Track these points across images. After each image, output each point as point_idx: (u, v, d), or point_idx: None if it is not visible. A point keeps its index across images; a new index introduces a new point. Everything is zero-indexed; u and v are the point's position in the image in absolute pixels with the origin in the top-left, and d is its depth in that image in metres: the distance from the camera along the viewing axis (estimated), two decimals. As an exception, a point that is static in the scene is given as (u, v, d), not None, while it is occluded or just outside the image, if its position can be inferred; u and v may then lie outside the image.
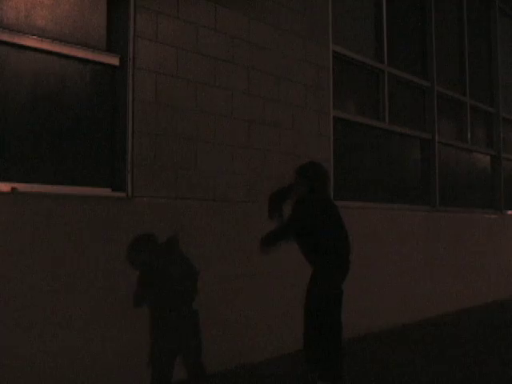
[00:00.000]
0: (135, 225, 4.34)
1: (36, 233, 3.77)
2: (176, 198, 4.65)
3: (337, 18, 6.67)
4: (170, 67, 4.68)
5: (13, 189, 3.74)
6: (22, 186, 3.81)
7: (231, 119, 5.16)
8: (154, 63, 4.56)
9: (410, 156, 8.12)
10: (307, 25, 6.04)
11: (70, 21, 4.25)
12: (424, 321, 7.31)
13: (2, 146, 3.83)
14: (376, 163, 7.37)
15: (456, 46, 9.42)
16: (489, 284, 9.12)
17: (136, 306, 4.29)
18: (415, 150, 8.21)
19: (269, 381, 4.69)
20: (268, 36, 5.58)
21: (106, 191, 4.35)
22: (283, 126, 5.68)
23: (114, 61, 4.44)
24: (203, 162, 4.88)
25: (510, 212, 10.38)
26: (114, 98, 4.47)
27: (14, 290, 3.65)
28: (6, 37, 3.82)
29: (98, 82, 4.39)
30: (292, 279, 5.34)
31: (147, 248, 4.42)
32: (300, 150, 5.84)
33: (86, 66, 4.30)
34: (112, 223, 4.20)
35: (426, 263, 7.64)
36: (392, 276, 6.97)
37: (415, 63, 8.34)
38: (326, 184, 4.39)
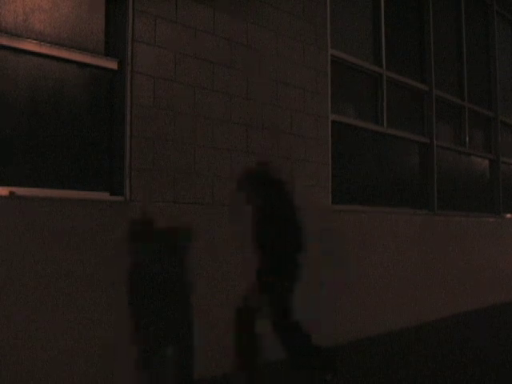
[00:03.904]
0: (133, 229, 4.33)
1: (34, 237, 3.76)
2: (174, 202, 4.65)
3: (335, 22, 6.69)
4: (169, 71, 4.69)
5: (11, 193, 3.74)
6: (20, 190, 3.82)
7: (229, 123, 5.16)
8: (153, 67, 4.57)
9: (409, 160, 8.13)
10: (305, 29, 6.06)
11: (69, 25, 4.26)
12: (422, 325, 7.30)
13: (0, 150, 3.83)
14: (374, 167, 7.38)
15: (454, 49, 9.44)
16: (487, 288, 9.12)
17: (134, 309, 4.29)
18: (413, 153, 8.22)
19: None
20: (266, 40, 5.59)
21: (104, 195, 4.35)
22: (281, 130, 5.69)
23: (113, 65, 4.45)
24: (201, 166, 4.89)
25: (508, 215, 10.39)
26: (112, 101, 4.47)
27: (13, 293, 3.64)
28: (4, 41, 3.83)
29: (97, 86, 4.40)
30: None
31: (145, 252, 4.42)
32: (298, 154, 5.85)
33: (84, 70, 4.31)
34: (110, 227, 4.19)
35: (423, 267, 7.64)
36: (389, 280, 6.97)
37: (413, 67, 8.36)
38: None
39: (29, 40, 3.97)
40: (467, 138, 9.44)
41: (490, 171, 10.21)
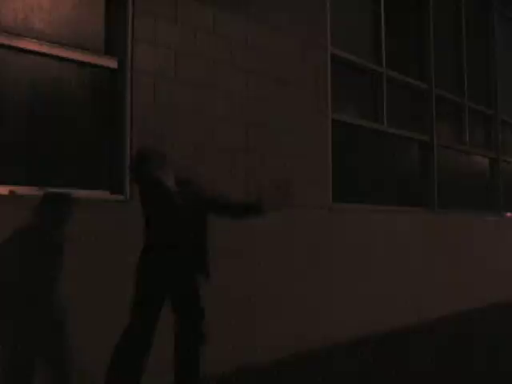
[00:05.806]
0: (134, 227, 4.33)
1: (35, 235, 3.76)
2: (174, 201, 4.63)
3: (335, 20, 6.67)
4: (169, 70, 4.68)
5: (11, 191, 3.74)
6: (20, 189, 3.81)
7: (230, 122, 5.16)
8: (153, 66, 4.57)
9: (409, 158, 8.13)
10: (306, 27, 6.05)
11: (69, 24, 4.25)
12: (422, 323, 7.30)
13: (0, 149, 3.83)
14: (374, 165, 7.37)
15: (454, 48, 9.43)
16: (488, 287, 9.11)
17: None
18: (414, 152, 8.22)
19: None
20: (266, 39, 5.58)
21: (104, 194, 4.35)
22: (282, 129, 5.69)
23: (113, 64, 4.44)
24: (201, 165, 4.88)
25: (508, 214, 10.38)
26: (112, 100, 4.47)
27: (13, 292, 3.64)
28: (4, 40, 3.83)
29: (97, 85, 4.40)
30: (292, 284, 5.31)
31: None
32: (299, 153, 5.84)
33: (84, 68, 4.31)
34: (110, 226, 4.19)
35: (424, 266, 7.64)
36: (390, 278, 6.96)
37: (414, 65, 8.35)
38: None
39: (29, 39, 3.96)
40: (467, 137, 9.43)
41: (491, 170, 10.20)
